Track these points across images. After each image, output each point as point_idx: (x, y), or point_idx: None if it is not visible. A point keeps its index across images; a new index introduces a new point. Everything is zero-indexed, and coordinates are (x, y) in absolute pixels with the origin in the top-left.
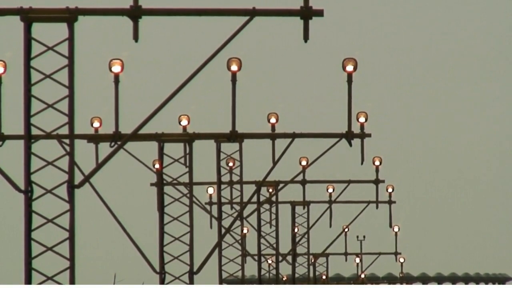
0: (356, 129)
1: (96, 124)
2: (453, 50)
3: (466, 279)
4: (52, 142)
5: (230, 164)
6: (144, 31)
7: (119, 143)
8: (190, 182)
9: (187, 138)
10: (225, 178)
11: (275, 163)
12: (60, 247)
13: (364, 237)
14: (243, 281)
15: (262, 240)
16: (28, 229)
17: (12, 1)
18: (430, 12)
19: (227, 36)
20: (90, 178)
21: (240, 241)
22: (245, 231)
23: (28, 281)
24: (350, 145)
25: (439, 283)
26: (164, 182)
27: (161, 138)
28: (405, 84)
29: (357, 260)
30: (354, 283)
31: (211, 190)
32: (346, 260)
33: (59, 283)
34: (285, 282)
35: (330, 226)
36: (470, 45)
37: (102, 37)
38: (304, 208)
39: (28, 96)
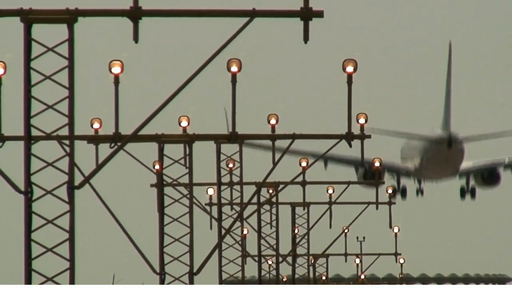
0: (356, 130)
1: (96, 125)
2: (452, 51)
3: (466, 280)
4: (52, 143)
5: (230, 165)
6: (144, 32)
7: (119, 144)
8: (190, 183)
9: (187, 139)
10: (225, 179)
11: (275, 164)
12: (60, 248)
13: (364, 238)
14: (243, 281)
15: (262, 241)
16: (28, 230)
17: (12, 2)
18: (430, 13)
19: (227, 37)
20: (90, 179)
21: (240, 242)
22: (245, 232)
23: (28, 281)
24: (350, 146)
25: (439, 284)
26: (164, 183)
27: (161, 139)
28: (404, 85)
29: (357, 260)
30: (354, 284)
31: (211, 191)
32: (346, 260)
33: (59, 284)
34: (285, 283)
35: (330, 227)
36: (469, 46)
37: (102, 38)
38: (304, 209)
39: (28, 97)
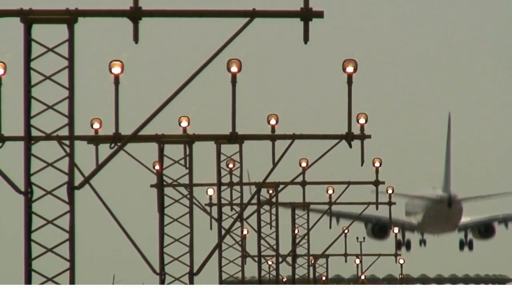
0: (356, 130)
1: (96, 125)
2: (452, 51)
3: (466, 280)
4: (52, 143)
5: (230, 165)
6: (144, 33)
7: (119, 144)
8: (190, 183)
9: (187, 140)
10: (225, 179)
11: (275, 164)
12: (60, 248)
13: (364, 238)
14: (243, 282)
15: (262, 241)
16: (28, 230)
17: (12, 3)
18: (430, 13)
19: (227, 38)
20: (90, 179)
21: (240, 242)
22: (245, 232)
23: (28, 281)
24: (350, 146)
25: (439, 284)
26: (164, 183)
27: (161, 140)
28: (405, 85)
29: (357, 261)
30: (354, 284)
31: (211, 191)
32: (346, 261)
33: (59, 284)
34: (285, 283)
35: (330, 227)
36: (469, 46)
37: (102, 38)
38: (304, 209)
39: (28, 98)
